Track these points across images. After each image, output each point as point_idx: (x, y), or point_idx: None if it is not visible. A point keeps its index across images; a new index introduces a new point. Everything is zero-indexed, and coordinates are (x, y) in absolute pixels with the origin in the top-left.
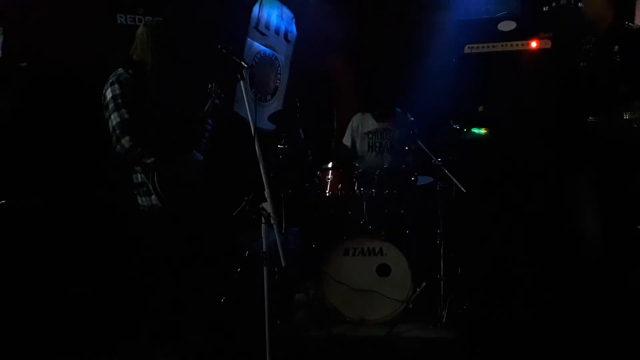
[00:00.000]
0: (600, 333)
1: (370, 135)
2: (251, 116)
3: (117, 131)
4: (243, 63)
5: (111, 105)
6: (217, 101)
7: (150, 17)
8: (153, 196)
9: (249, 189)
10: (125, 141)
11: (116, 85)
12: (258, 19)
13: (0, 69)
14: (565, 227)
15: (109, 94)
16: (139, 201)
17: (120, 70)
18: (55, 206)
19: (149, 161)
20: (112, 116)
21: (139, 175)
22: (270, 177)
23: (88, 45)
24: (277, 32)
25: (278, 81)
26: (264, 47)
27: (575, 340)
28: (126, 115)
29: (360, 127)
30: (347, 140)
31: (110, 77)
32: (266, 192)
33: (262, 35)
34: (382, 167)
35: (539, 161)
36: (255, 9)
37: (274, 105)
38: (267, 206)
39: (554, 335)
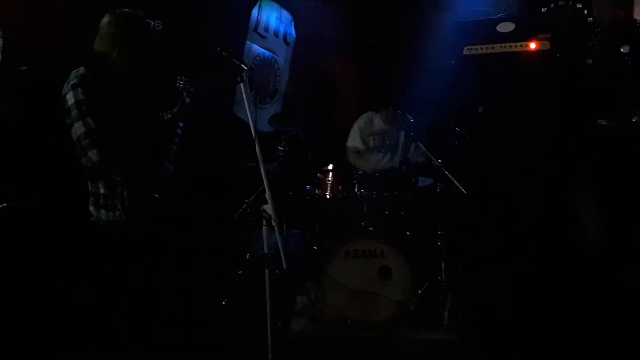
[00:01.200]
0: (601, 333)
1: (376, 137)
2: (251, 118)
3: (83, 142)
4: (243, 65)
5: (74, 112)
6: (187, 100)
7: (149, 20)
8: (117, 212)
9: (248, 191)
10: (92, 154)
11: (79, 90)
12: (257, 22)
13: (0, 72)
14: (567, 228)
15: (70, 99)
16: (95, 213)
17: (81, 69)
18: (55, 209)
19: (118, 178)
20: (76, 125)
21: (100, 187)
22: (270, 179)
23: (87, 49)
24: (276, 34)
25: (277, 83)
26: (263, 50)
27: (577, 340)
28: (92, 125)
29: (366, 127)
30: (353, 142)
31: (71, 77)
32: (267, 194)
33: (262, 38)
34: (385, 169)
35: (539, 162)
36: (255, 11)
37: (274, 107)
38: (268, 208)
39: (556, 336)
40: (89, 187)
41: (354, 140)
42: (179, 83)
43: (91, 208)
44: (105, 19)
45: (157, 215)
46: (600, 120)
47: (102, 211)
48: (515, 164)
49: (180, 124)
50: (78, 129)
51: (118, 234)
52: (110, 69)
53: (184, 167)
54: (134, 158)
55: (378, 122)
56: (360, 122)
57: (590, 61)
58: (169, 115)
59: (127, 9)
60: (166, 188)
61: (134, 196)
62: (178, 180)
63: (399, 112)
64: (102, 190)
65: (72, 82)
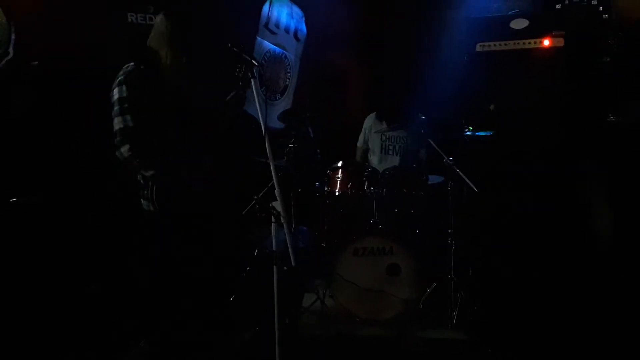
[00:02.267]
0: (612, 332)
1: (383, 137)
2: (262, 115)
3: (118, 137)
4: (254, 61)
5: (116, 108)
6: (242, 91)
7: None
8: (150, 202)
9: (258, 188)
10: (125, 150)
11: (124, 87)
12: (268, 18)
13: (12, 67)
14: (578, 227)
15: (115, 94)
16: (142, 202)
17: (130, 65)
18: (67, 203)
19: (147, 174)
20: (116, 120)
21: (139, 178)
22: (280, 175)
23: (98, 44)
24: (287, 30)
25: (287, 80)
26: (273, 46)
27: (586, 340)
28: (130, 123)
29: (372, 127)
30: (361, 141)
31: (120, 73)
32: (276, 191)
33: (272, 34)
34: (395, 166)
35: (550, 160)
36: (266, 7)
37: (283, 104)
38: (277, 205)
39: (566, 336)
40: (138, 179)
41: (361, 139)
42: (238, 70)
43: (141, 199)
44: (159, 18)
45: (187, 210)
46: (610, 117)
47: (142, 200)
48: (527, 162)
49: (229, 115)
50: (116, 124)
51: (152, 222)
52: (161, 65)
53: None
54: (169, 156)
55: (385, 124)
56: (368, 122)
57: (607, 59)
58: (221, 106)
59: (181, 9)
60: (200, 185)
61: (164, 190)
62: (213, 177)
63: (407, 111)
64: (141, 181)
65: (119, 78)
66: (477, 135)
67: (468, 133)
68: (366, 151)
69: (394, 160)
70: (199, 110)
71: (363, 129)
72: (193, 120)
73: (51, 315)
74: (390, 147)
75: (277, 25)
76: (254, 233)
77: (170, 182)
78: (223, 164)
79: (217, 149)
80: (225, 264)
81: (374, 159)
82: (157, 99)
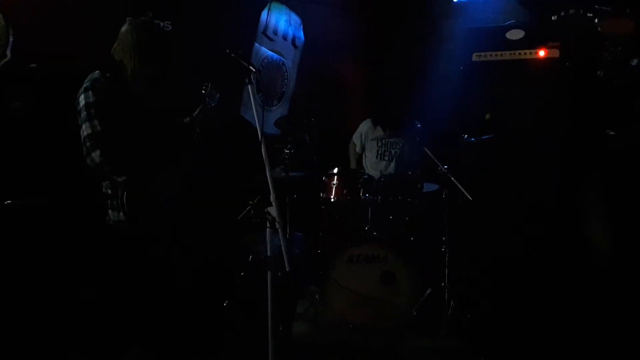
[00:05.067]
0: (607, 342)
1: (379, 143)
2: (258, 121)
3: (87, 143)
4: (252, 68)
5: (83, 114)
6: (212, 104)
7: (158, 21)
8: (120, 212)
9: (253, 194)
10: (96, 155)
11: (90, 92)
12: (266, 24)
13: (10, 69)
14: (574, 237)
15: (82, 101)
16: (109, 214)
17: (96, 73)
18: (64, 206)
19: (119, 179)
20: (84, 126)
21: (107, 187)
22: (275, 181)
23: (96, 48)
24: (284, 37)
25: (285, 86)
26: (271, 52)
27: (581, 349)
28: (98, 127)
29: (369, 133)
30: (354, 147)
31: (86, 81)
32: (272, 197)
33: (270, 41)
34: (390, 174)
35: (546, 170)
36: (264, 14)
37: (280, 110)
38: (273, 210)
39: (560, 345)
40: (103, 189)
41: (357, 144)
42: (204, 89)
43: (108, 210)
44: (124, 28)
45: (160, 217)
46: (608, 131)
47: (109, 211)
48: (522, 172)
49: (198, 130)
50: (85, 130)
51: (122, 235)
52: (126, 74)
53: (196, 171)
54: (140, 161)
55: (381, 130)
56: (362, 128)
57: (601, 73)
58: (188, 120)
59: (145, 18)
60: (172, 193)
61: (135, 198)
62: (189, 183)
63: (404, 119)
64: (108, 191)
65: (85, 85)
66: (473, 140)
67: (465, 137)
68: (361, 156)
69: (389, 167)
70: (165, 120)
71: (358, 134)
72: (161, 130)
73: (45, 319)
74: (386, 153)
75: (275, 32)
76: (245, 239)
77: (142, 188)
78: (199, 172)
79: (188, 158)
80: (207, 271)
81: (368, 165)
82: (123, 106)
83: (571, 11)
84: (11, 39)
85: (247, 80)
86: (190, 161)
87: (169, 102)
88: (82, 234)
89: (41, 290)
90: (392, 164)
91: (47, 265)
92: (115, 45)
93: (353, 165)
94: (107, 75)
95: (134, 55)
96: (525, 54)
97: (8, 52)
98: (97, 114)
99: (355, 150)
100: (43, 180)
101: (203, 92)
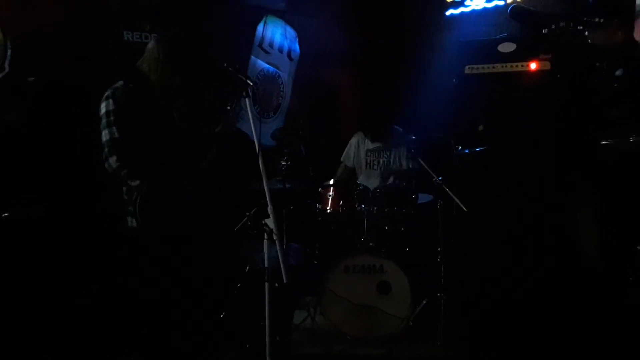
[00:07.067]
0: (600, 351)
1: (368, 153)
2: (255, 133)
3: (106, 149)
4: (249, 81)
5: (103, 121)
6: (236, 120)
7: (156, 35)
8: (135, 218)
9: (250, 205)
10: (113, 161)
11: (110, 101)
12: (262, 37)
13: (8, 83)
14: (567, 247)
15: (102, 109)
16: (127, 220)
17: (119, 83)
18: (61, 216)
19: (134, 183)
20: (103, 132)
21: (124, 192)
22: (272, 192)
23: (94, 61)
24: (280, 50)
25: (280, 98)
26: (267, 65)
27: (576, 356)
28: (116, 134)
29: (360, 145)
30: (346, 159)
31: (108, 90)
32: (269, 208)
33: (266, 53)
34: (380, 185)
35: (539, 181)
36: (260, 27)
37: (276, 122)
38: (270, 222)
39: (556, 353)
40: (123, 194)
41: (347, 157)
42: (229, 105)
43: (127, 216)
44: (151, 44)
45: (169, 223)
46: (603, 141)
47: (127, 218)
48: (516, 183)
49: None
50: (104, 136)
51: (135, 240)
52: (151, 86)
53: (209, 182)
54: (154, 167)
55: (369, 140)
56: (355, 138)
57: (595, 81)
58: (210, 136)
59: (169, 35)
60: (185, 199)
61: (147, 203)
62: (202, 193)
63: (399, 129)
64: (125, 197)
65: (106, 94)
66: (467, 151)
67: (458, 148)
68: (352, 169)
69: (383, 178)
70: (187, 131)
71: (350, 145)
72: (181, 139)
73: (44, 328)
74: (376, 164)
75: (271, 45)
76: (245, 248)
77: (156, 193)
78: (213, 182)
79: (204, 169)
80: (212, 280)
81: (360, 176)
82: (144, 114)
83: (562, 24)
84: (9, 53)
85: (244, 93)
86: (205, 172)
87: (191, 114)
88: (77, 243)
89: (40, 299)
90: (386, 176)
91: (43, 274)
92: (143, 58)
93: (341, 176)
94: (130, 85)
95: (158, 68)
96: (517, 66)
97: (6, 66)
98: (116, 121)
99: (346, 165)
100: (39, 191)
101: (228, 108)
